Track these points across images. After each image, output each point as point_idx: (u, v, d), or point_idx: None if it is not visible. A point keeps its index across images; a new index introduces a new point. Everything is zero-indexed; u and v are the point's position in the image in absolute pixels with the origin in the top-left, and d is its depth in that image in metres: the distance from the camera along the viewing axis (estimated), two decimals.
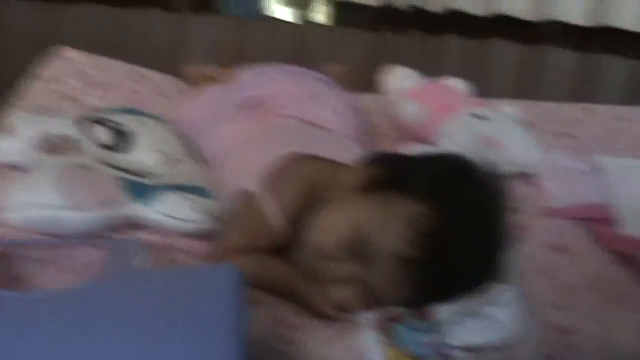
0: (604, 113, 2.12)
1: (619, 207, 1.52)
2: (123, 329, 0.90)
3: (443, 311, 1.15)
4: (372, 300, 1.17)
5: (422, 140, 1.66)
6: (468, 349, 1.14)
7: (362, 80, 2.10)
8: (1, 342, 0.89)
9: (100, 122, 1.45)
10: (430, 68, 2.11)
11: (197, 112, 1.67)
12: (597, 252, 1.44)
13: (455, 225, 1.15)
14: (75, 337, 0.89)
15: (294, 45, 3.00)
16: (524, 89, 2.75)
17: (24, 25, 3.00)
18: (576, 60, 3.08)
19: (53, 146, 1.37)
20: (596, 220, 1.52)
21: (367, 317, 1.17)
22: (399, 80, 1.89)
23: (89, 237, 1.25)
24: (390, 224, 1.15)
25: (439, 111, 1.71)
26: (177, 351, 0.88)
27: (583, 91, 2.73)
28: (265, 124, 1.51)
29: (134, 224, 1.32)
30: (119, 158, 1.42)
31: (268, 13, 3.20)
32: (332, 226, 1.20)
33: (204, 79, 1.94)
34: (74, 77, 1.79)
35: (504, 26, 3.15)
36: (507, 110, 1.81)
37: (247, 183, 1.32)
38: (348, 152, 1.44)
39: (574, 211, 1.55)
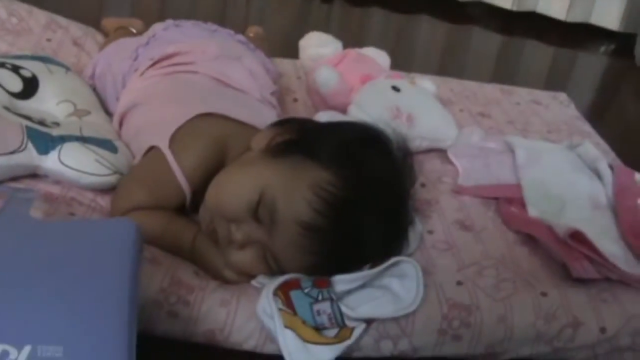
0: (522, 96, 2.14)
1: (525, 189, 1.53)
2: (8, 278, 0.87)
3: (341, 280, 1.14)
4: (272, 265, 1.16)
5: (337, 108, 1.65)
6: (362, 319, 1.13)
7: (285, 46, 2.09)
8: None
9: (7, 67, 1.41)
10: (355, 38, 2.11)
11: (104, 64, 1.63)
12: (503, 231, 1.45)
13: (360, 194, 1.15)
14: None
15: (218, 7, 2.95)
16: (446, 66, 2.75)
17: None
18: (500, 43, 3.11)
19: None
20: (504, 200, 1.53)
21: (266, 282, 1.16)
22: (317, 45, 1.87)
23: None
24: (296, 189, 1.13)
25: (355, 80, 1.70)
26: (64, 306, 0.85)
27: (504, 74, 2.74)
28: (175, 80, 1.47)
29: (36, 174, 1.29)
30: (24, 105, 1.38)
31: None
32: (236, 187, 1.18)
33: (118, 31, 1.90)
34: None
35: (432, 3, 3.16)
36: (426, 85, 1.81)
37: (154, 139, 1.29)
38: (260, 115, 1.42)
39: (483, 190, 1.56)
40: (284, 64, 1.97)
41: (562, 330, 1.24)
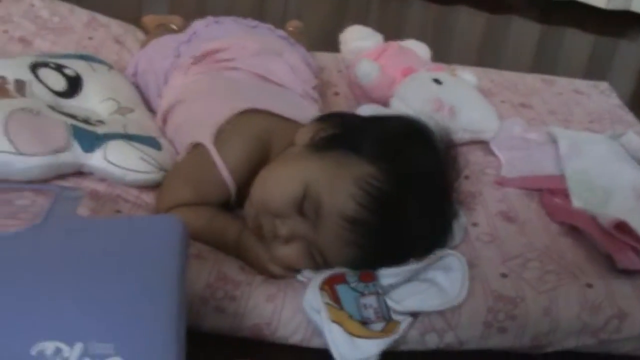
0: (563, 86, 2.12)
1: (568, 180, 1.52)
2: (59, 277, 0.88)
3: (386, 274, 1.14)
4: (317, 259, 1.17)
5: (379, 101, 1.65)
6: (408, 313, 1.13)
7: (325, 39, 2.09)
8: None
9: (51, 67, 1.42)
10: (393, 30, 2.10)
11: (146, 62, 1.64)
12: (546, 222, 1.44)
13: (405, 188, 1.14)
14: (12, 281, 0.87)
15: (256, 2, 2.96)
16: (486, 57, 2.74)
17: None
18: (540, 32, 3.08)
19: (1, 90, 1.34)
20: (547, 192, 1.52)
21: (312, 277, 1.16)
22: (358, 39, 1.87)
23: (34, 183, 1.23)
24: (341, 184, 1.13)
25: (396, 73, 1.69)
26: (114, 303, 0.86)
27: (544, 63, 2.72)
28: (218, 77, 1.48)
29: (82, 172, 1.30)
30: (69, 104, 1.40)
31: None
32: (280, 182, 1.19)
33: (158, 28, 1.91)
34: (28, 19, 1.76)
35: None
36: (466, 76, 1.80)
37: (198, 136, 1.30)
38: (303, 110, 1.42)
39: (526, 181, 1.55)
40: (325, 58, 1.98)
41: (608, 322, 1.23)
